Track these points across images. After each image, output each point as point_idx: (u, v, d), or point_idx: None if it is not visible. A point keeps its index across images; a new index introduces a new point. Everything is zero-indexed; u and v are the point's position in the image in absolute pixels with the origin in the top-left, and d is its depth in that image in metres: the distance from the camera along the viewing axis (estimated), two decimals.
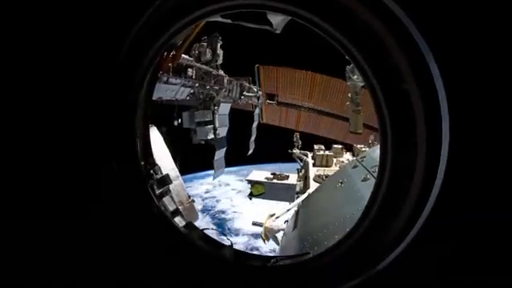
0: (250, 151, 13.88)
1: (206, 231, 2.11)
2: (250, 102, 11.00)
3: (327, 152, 11.35)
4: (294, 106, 13.77)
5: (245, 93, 10.41)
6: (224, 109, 9.19)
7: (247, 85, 10.72)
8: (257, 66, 12.44)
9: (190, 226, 2.26)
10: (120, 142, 1.33)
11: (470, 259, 1.01)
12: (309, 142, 14.21)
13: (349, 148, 13.02)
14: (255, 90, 11.20)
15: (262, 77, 12.92)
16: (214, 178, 10.56)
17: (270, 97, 13.37)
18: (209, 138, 7.61)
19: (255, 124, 13.82)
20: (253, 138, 13.72)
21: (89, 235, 1.20)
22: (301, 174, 11.50)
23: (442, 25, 0.92)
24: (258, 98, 11.15)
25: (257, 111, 13.51)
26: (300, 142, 14.63)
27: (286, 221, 6.09)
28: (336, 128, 13.46)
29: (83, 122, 1.15)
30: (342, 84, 11.58)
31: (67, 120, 1.14)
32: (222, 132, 9.12)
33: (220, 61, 7.51)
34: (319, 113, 13.53)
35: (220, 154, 9.43)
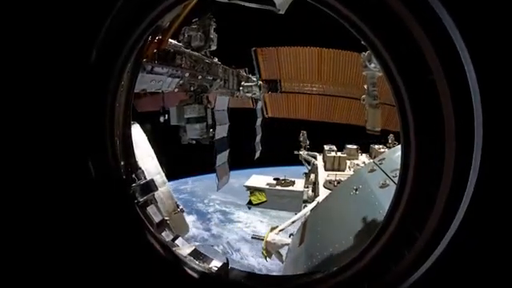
0: (257, 154, 13.73)
1: (198, 247, 2.12)
2: (249, 94, 10.98)
3: (339, 153, 11.34)
4: (302, 91, 13.51)
5: (243, 83, 10.39)
6: (221, 103, 9.02)
7: (244, 74, 10.69)
8: (253, 49, 12.33)
9: (178, 240, 2.26)
10: (94, 142, 1.33)
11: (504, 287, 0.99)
12: (318, 141, 14.20)
13: (365, 149, 13.00)
14: (254, 79, 11.16)
15: (261, 61, 12.77)
16: (219, 189, 9.89)
17: (272, 85, 13.27)
18: (201, 137, 7.59)
19: (259, 121, 13.69)
20: (258, 137, 13.60)
21: (54, 252, 1.19)
22: (309, 179, 11.49)
23: (476, 6, 0.91)
24: (260, 88, 11.07)
25: (259, 106, 13.44)
26: (308, 141, 14.64)
27: (292, 234, 6.07)
28: (354, 111, 13.21)
29: (49, 119, 1.15)
30: (353, 56, 11.49)
31: (30, 115, 1.13)
32: (222, 131, 8.80)
33: (214, 46, 7.50)
34: (332, 95, 13.26)
35: (222, 158, 9.10)
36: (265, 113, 14.39)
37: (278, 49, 12.64)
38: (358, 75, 11.50)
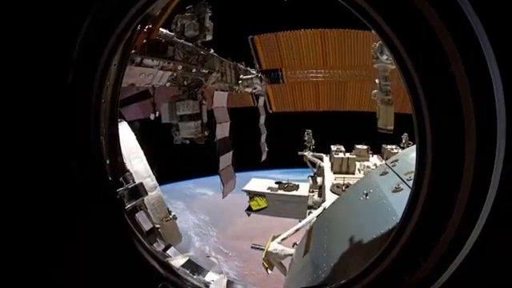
0: (264, 156, 13.66)
1: (192, 257, 2.12)
2: (249, 89, 10.96)
3: (348, 154, 11.33)
4: (308, 80, 13.35)
5: (242, 76, 10.37)
6: (220, 99, 8.82)
7: (243, 67, 10.68)
8: (250, 37, 12.27)
9: (170, 250, 2.26)
10: (77, 142, 1.33)
11: None
12: (325, 141, 14.17)
13: (376, 149, 13.01)
14: (253, 72, 11.14)
15: (260, 50, 12.71)
16: (225, 196, 9.58)
17: (274, 75, 13.19)
18: (195, 136, 7.57)
19: (263, 119, 13.55)
20: (263, 137, 13.50)
21: (33, 260, 1.19)
22: (314, 182, 11.49)
23: None
24: (261, 80, 11.01)
25: (261, 102, 13.35)
26: (313, 140, 14.64)
27: (295, 243, 6.08)
28: (366, 95, 13.08)
29: (26, 115, 1.15)
30: (359, 34, 11.45)
31: (6, 110, 1.13)
32: (223, 130, 8.63)
33: (210, 36, 7.49)
34: (341, 80, 13.11)
35: (226, 160, 8.88)
36: (268, 108, 14.25)
37: (277, 34, 12.52)
38: (365, 55, 11.45)
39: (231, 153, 9.22)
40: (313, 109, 14.11)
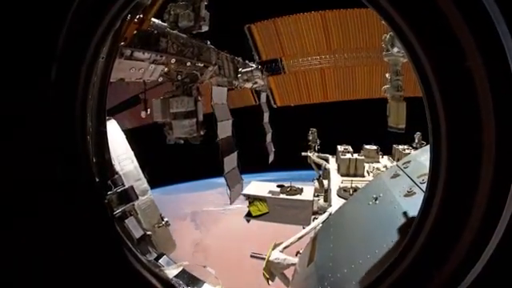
0: (271, 157, 13.54)
1: (187, 267, 2.13)
2: (249, 84, 10.96)
3: (356, 155, 11.34)
4: (312, 66, 13.27)
5: (241, 69, 10.36)
6: (219, 95, 8.66)
7: (240, 60, 10.69)
8: (247, 26, 12.26)
9: (163, 259, 2.27)
10: (62, 143, 1.33)
11: None
12: (331, 140, 14.15)
13: (386, 150, 13.00)
14: (252, 65, 11.14)
15: (258, 39, 12.67)
16: (232, 202, 9.37)
17: (274, 65, 13.13)
18: (190, 135, 7.56)
19: (266, 116, 13.43)
20: (269, 136, 13.40)
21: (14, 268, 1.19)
22: (319, 186, 11.50)
23: None
24: (262, 72, 10.97)
25: (263, 98, 13.26)
26: (318, 140, 14.65)
27: (299, 252, 6.07)
28: (376, 79, 13.02)
29: (5, 117, 1.15)
30: (362, 14, 11.45)
31: None
32: (225, 129, 8.49)
33: (206, 27, 7.49)
34: (348, 65, 13.05)
35: (231, 162, 8.72)
36: (272, 103, 14.17)
37: (276, 21, 12.47)
38: (371, 35, 11.40)
39: (236, 153, 9.08)
40: (321, 100, 13.95)
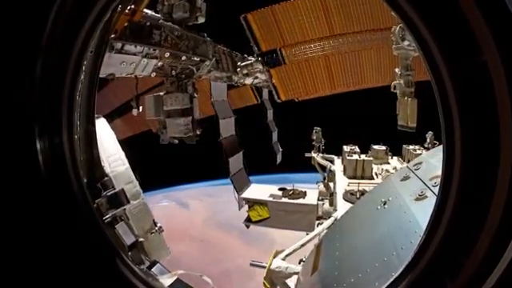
0: (279, 158, 13.43)
1: (182, 276, 2.13)
2: (249, 80, 10.97)
3: (363, 156, 11.36)
4: (315, 53, 13.22)
5: (240, 63, 10.35)
6: (218, 91, 8.58)
7: (238, 54, 10.70)
8: (243, 16, 12.29)
9: (156, 267, 2.27)
10: (48, 142, 1.33)
11: None
12: (336, 140, 14.14)
13: (396, 150, 13.00)
14: (251, 59, 11.15)
15: (256, 30, 12.65)
16: (241, 207, 9.32)
17: (272, 57, 13.11)
18: (185, 135, 7.55)
19: (271, 114, 13.25)
20: (275, 135, 13.30)
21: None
22: (324, 189, 11.51)
23: None
24: (263, 64, 10.95)
25: (265, 94, 13.14)
26: (322, 140, 14.66)
27: (302, 260, 6.08)
28: (384, 63, 13.01)
29: None
30: None
31: None
32: (228, 127, 8.46)
33: (202, 18, 7.49)
34: (353, 49, 13.01)
35: (236, 163, 8.63)
36: (276, 98, 14.14)
37: (273, 7, 12.48)
38: (374, 15, 11.38)
39: (241, 154, 9.00)
40: (327, 90, 13.85)
